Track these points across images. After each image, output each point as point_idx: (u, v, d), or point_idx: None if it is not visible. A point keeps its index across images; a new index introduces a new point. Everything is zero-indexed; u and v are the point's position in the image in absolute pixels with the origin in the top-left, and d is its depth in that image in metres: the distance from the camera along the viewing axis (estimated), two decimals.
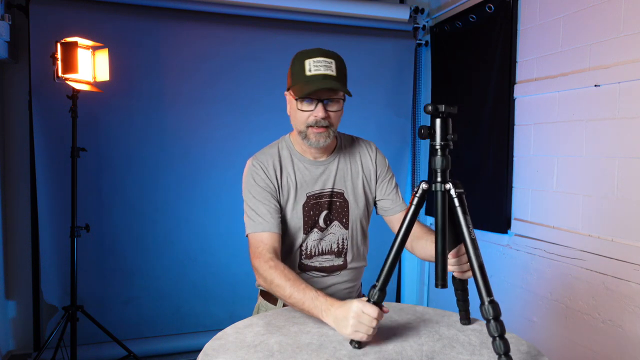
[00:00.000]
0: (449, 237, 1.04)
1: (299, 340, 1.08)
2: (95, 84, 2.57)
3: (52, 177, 2.78)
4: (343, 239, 1.46)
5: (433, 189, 1.05)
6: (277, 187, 1.40)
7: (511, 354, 0.92)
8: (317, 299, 1.16)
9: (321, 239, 1.44)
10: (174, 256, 3.07)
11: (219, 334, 1.12)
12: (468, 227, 1.00)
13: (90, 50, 2.52)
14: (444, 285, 1.03)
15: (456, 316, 1.26)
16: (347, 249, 1.47)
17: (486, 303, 0.94)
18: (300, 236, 1.42)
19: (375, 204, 1.54)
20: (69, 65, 2.40)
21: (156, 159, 3.01)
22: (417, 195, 1.06)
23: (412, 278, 3.78)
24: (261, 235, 1.33)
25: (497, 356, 0.93)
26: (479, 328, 1.19)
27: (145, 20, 2.93)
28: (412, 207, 1.06)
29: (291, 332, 1.13)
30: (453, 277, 1.19)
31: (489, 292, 0.95)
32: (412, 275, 3.78)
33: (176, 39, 3.00)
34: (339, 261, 1.47)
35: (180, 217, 3.06)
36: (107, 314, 2.90)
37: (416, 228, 1.43)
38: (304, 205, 1.41)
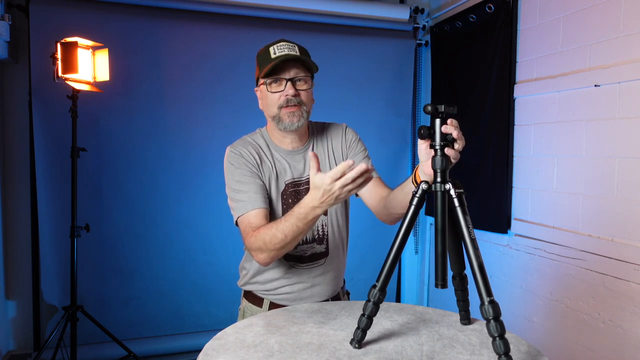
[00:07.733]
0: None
1: (299, 340, 1.08)
2: (95, 84, 2.57)
3: (52, 177, 2.78)
4: (323, 225, 1.47)
5: (433, 189, 1.05)
6: (259, 171, 1.39)
7: (511, 354, 0.92)
8: (296, 208, 1.17)
9: None
10: (174, 256, 3.07)
11: (219, 334, 1.12)
12: (468, 227, 1.00)
13: (90, 50, 2.52)
14: (444, 286, 1.02)
15: (456, 316, 1.26)
16: (327, 234, 1.48)
17: (486, 303, 0.94)
18: None
19: None
20: (69, 65, 2.40)
21: (156, 159, 3.01)
22: (417, 195, 1.06)
23: (412, 278, 3.78)
24: (248, 215, 1.31)
25: (497, 356, 0.93)
26: (479, 328, 1.19)
27: (145, 20, 2.93)
28: (412, 208, 1.06)
29: (291, 332, 1.13)
30: (453, 277, 1.19)
31: (489, 292, 0.95)
32: (412, 275, 3.78)
33: (176, 39, 3.00)
34: (321, 248, 1.47)
35: (180, 217, 3.06)
36: (107, 314, 2.90)
37: (382, 190, 1.42)
38: (282, 193, 1.42)
